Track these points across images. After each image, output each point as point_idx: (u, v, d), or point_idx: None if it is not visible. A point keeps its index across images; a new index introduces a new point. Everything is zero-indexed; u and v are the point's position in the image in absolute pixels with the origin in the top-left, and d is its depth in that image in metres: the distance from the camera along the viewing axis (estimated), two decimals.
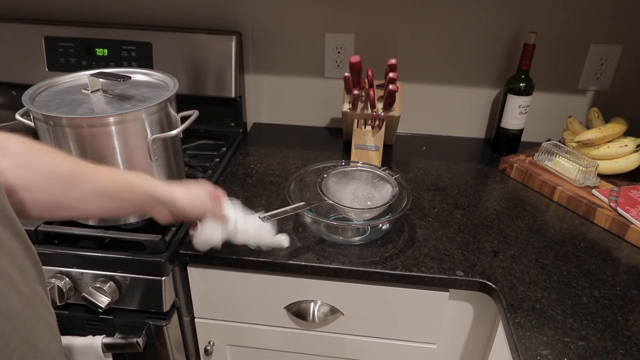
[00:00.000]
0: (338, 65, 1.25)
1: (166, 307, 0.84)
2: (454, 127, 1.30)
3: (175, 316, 0.87)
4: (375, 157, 1.09)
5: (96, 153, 0.78)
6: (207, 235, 0.75)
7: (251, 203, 0.97)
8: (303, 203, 0.82)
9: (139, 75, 0.93)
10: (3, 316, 0.39)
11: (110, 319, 0.85)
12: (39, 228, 0.82)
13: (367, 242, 0.87)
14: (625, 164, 1.04)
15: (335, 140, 1.28)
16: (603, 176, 1.04)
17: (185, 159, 1.09)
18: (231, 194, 0.95)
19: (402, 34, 1.20)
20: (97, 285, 0.81)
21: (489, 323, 0.87)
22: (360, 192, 0.93)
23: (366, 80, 1.07)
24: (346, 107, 1.10)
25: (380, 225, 0.88)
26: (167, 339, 0.86)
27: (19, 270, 0.43)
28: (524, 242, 0.89)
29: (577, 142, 1.07)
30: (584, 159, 1.02)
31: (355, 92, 1.05)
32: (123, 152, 0.80)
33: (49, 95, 0.84)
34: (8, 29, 1.22)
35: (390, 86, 1.00)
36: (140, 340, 0.83)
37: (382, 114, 1.06)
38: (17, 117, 0.83)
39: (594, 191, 0.98)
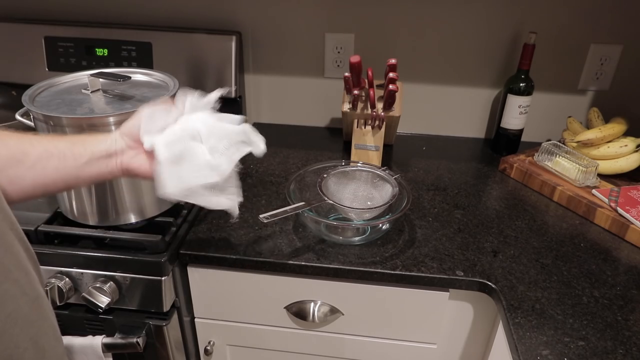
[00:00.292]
0: (338, 65, 1.25)
1: (166, 307, 0.84)
2: (454, 127, 1.30)
3: (175, 316, 0.87)
4: (375, 157, 1.09)
5: None
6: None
7: (251, 203, 0.97)
8: (303, 203, 0.82)
9: (139, 75, 0.93)
10: (11, 318, 0.39)
11: (110, 319, 0.85)
12: (39, 228, 0.82)
13: (367, 242, 0.87)
14: (625, 164, 1.04)
15: (335, 140, 1.28)
16: (603, 176, 1.04)
17: None
18: None
19: (402, 34, 1.20)
20: (97, 285, 0.81)
21: (489, 323, 0.87)
22: (360, 192, 0.93)
23: (366, 80, 1.07)
24: (346, 107, 1.10)
25: (380, 225, 0.88)
26: (167, 339, 0.86)
27: (24, 273, 0.43)
28: (524, 242, 0.89)
29: (577, 142, 1.07)
30: (584, 159, 1.02)
31: (355, 92, 1.05)
32: None
33: (49, 95, 0.84)
34: (8, 29, 1.22)
35: (390, 86, 1.00)
36: (140, 340, 0.83)
37: (382, 114, 1.06)
38: (17, 117, 0.83)
39: (594, 191, 0.98)
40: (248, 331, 0.93)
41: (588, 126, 1.14)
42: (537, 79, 1.16)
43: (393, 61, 1.01)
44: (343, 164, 0.96)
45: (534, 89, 1.14)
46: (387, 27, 1.19)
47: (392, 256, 0.83)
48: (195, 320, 0.94)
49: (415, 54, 1.21)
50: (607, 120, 1.11)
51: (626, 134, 1.07)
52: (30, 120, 0.81)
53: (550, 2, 1.12)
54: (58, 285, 0.81)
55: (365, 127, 1.09)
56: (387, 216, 0.86)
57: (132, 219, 0.86)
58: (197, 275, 0.88)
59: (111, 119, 0.76)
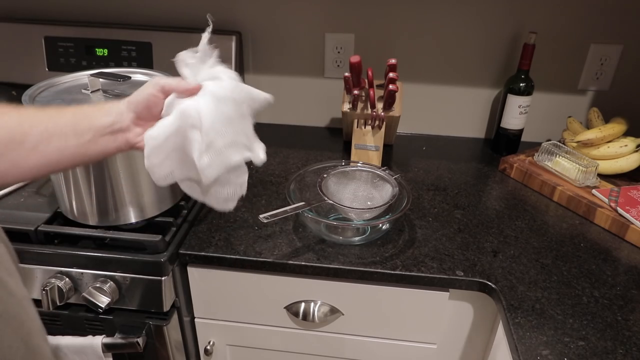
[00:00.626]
0: (338, 65, 1.25)
1: (166, 307, 0.84)
2: (454, 127, 1.30)
3: (175, 316, 0.87)
4: (375, 157, 1.09)
5: None
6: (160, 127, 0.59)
7: (251, 203, 0.97)
8: (303, 203, 0.82)
9: (139, 75, 0.93)
10: (3, 319, 0.39)
11: (110, 319, 0.85)
12: (39, 228, 0.82)
13: (367, 242, 0.87)
14: (625, 164, 1.04)
15: (335, 140, 1.28)
16: (603, 176, 1.04)
17: None
18: None
19: (402, 33, 1.20)
20: (97, 285, 0.81)
21: (489, 323, 0.87)
22: (360, 192, 0.93)
23: (366, 80, 1.07)
24: (346, 107, 1.10)
25: (380, 225, 0.88)
26: (167, 339, 0.86)
27: (7, 273, 0.43)
28: (524, 242, 0.89)
29: (577, 142, 1.07)
30: (584, 159, 1.02)
31: (355, 92, 1.05)
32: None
33: (49, 95, 0.84)
34: (8, 29, 1.22)
35: (390, 86, 1.00)
36: (140, 340, 0.83)
37: (382, 114, 1.06)
38: None
39: (594, 191, 0.98)
40: (248, 331, 0.93)
41: (588, 126, 1.14)
42: (537, 79, 1.16)
43: (393, 61, 1.01)
44: (343, 164, 0.96)
45: (534, 89, 1.14)
46: (387, 27, 1.19)
47: (392, 256, 0.83)
48: (195, 320, 0.94)
49: (415, 54, 1.21)
50: (607, 120, 1.11)
51: (626, 134, 1.07)
52: None
53: (550, 2, 1.12)
54: (58, 285, 0.81)
55: (365, 127, 1.09)
56: (387, 216, 0.86)
57: (132, 219, 0.86)
58: (197, 275, 0.88)
59: None
